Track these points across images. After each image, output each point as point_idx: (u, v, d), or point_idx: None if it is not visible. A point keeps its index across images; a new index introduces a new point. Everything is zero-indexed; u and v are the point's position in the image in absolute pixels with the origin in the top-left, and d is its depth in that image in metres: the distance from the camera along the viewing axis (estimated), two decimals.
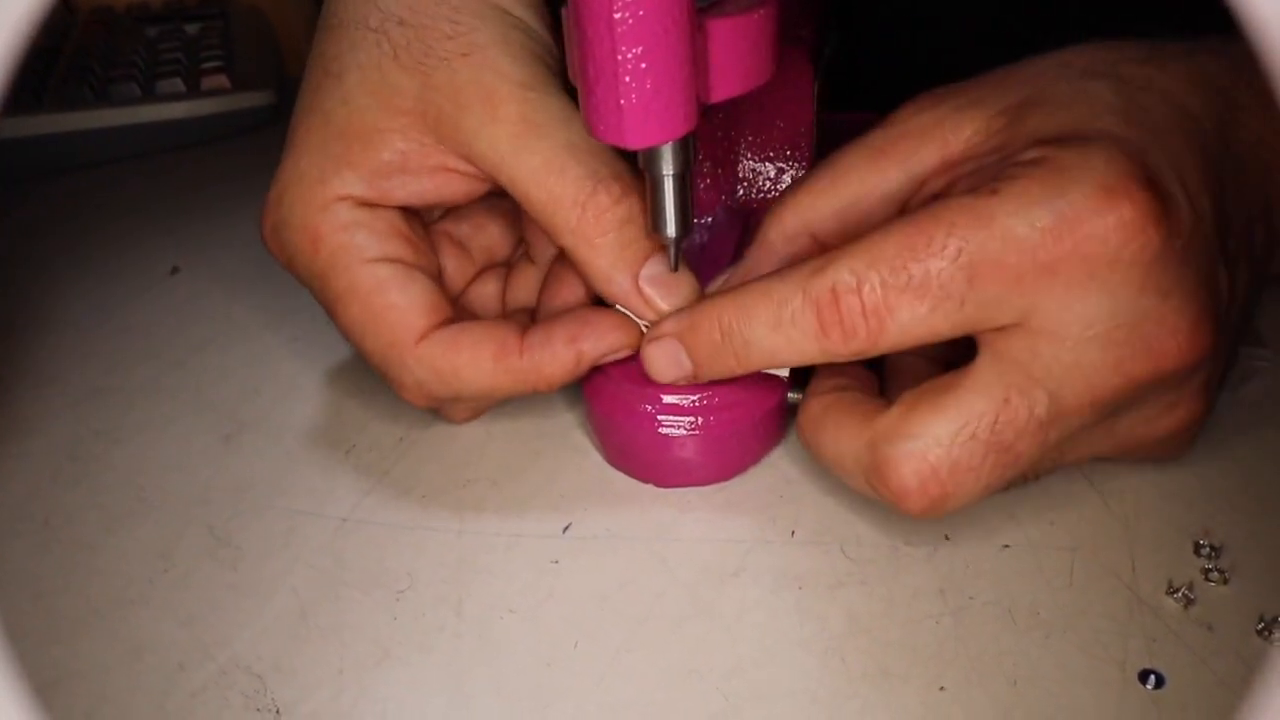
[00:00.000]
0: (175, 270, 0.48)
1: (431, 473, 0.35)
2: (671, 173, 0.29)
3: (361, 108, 0.32)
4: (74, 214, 0.54)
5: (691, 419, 0.32)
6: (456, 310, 0.34)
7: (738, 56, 0.28)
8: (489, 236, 0.37)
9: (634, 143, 0.27)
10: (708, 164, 0.39)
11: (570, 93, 0.30)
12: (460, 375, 0.32)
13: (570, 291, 0.34)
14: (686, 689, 0.27)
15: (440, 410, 0.36)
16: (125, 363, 0.42)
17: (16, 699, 0.19)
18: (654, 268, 0.31)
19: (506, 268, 0.38)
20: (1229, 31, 0.21)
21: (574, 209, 0.31)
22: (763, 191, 0.39)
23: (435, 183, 0.33)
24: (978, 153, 0.29)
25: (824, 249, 0.32)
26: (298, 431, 0.37)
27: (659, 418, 0.32)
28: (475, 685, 0.28)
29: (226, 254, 0.49)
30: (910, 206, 0.31)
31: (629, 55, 0.25)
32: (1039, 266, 0.26)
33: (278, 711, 0.27)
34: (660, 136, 0.27)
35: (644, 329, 0.32)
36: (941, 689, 0.27)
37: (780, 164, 0.39)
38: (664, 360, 0.31)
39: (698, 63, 0.27)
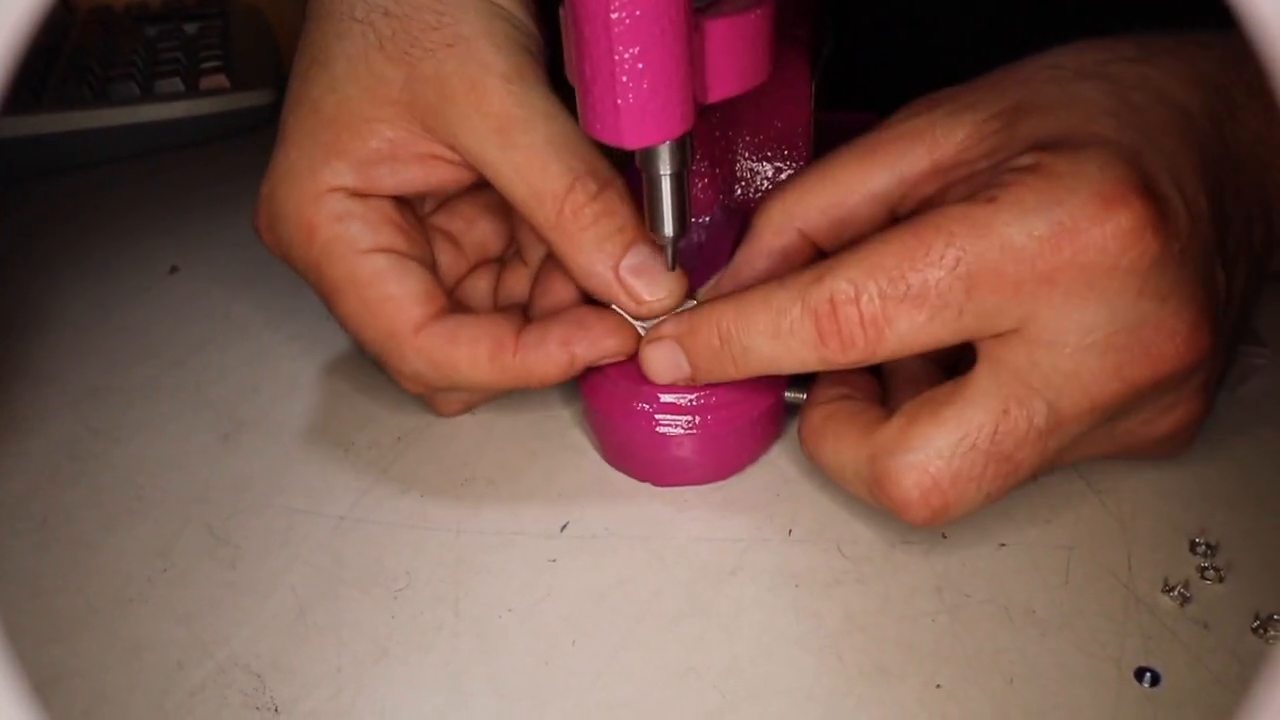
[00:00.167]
0: (174, 269, 0.48)
1: (430, 471, 0.35)
2: (668, 172, 0.29)
3: (349, 97, 0.32)
4: (73, 213, 0.54)
5: (689, 418, 0.32)
6: (452, 303, 0.34)
7: (735, 56, 0.28)
8: (481, 232, 0.37)
9: (631, 142, 0.27)
10: (705, 163, 0.39)
11: (561, 84, 0.30)
12: (458, 369, 0.32)
13: (562, 287, 0.34)
14: (683, 687, 0.27)
15: (433, 400, 0.36)
16: (124, 362, 0.42)
17: (15, 697, 0.19)
18: (635, 258, 0.31)
19: (500, 264, 0.38)
20: (1215, 26, 0.21)
21: (553, 205, 0.31)
22: (760, 191, 0.39)
23: (424, 170, 0.33)
24: (969, 157, 0.29)
25: (813, 245, 0.32)
26: (296, 430, 0.37)
27: (656, 416, 0.32)
28: (473, 683, 0.28)
29: (225, 253, 0.49)
30: (901, 209, 0.31)
31: (626, 55, 0.25)
32: (1037, 276, 0.26)
33: (276, 709, 0.28)
34: (657, 136, 0.27)
35: (641, 332, 0.32)
36: (938, 687, 0.27)
37: (777, 163, 0.39)
38: (663, 363, 0.31)
39: (695, 62, 0.27)
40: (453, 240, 0.37)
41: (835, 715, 0.26)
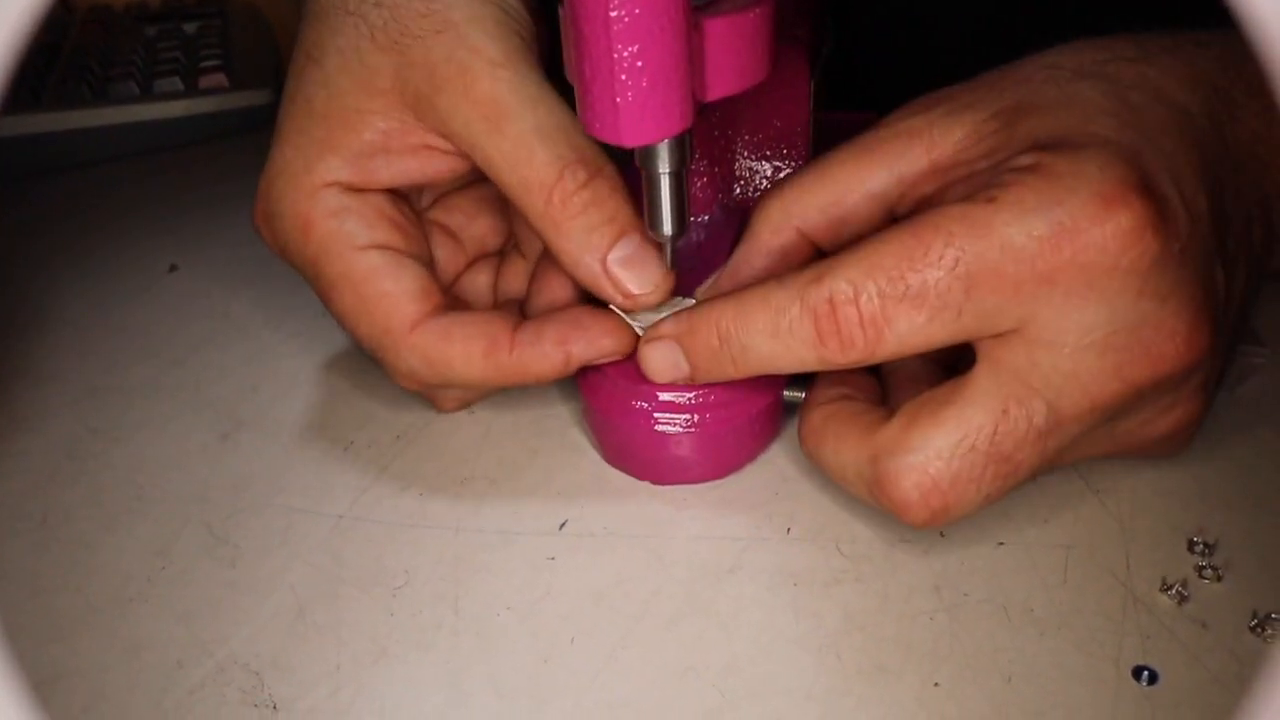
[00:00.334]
0: (173, 268, 0.48)
1: (429, 470, 0.35)
2: (667, 170, 0.30)
3: (341, 90, 0.32)
4: (72, 212, 0.54)
5: (687, 416, 0.32)
6: (449, 300, 0.34)
7: (734, 55, 0.28)
8: (480, 227, 0.37)
9: (630, 140, 0.27)
10: (704, 162, 0.39)
11: (556, 75, 0.30)
12: (452, 366, 0.32)
13: (558, 282, 0.34)
14: (682, 686, 0.28)
15: (431, 396, 0.36)
16: (123, 361, 0.42)
17: (15, 696, 0.19)
18: (623, 249, 0.31)
19: (499, 258, 0.38)
20: (1214, 26, 0.21)
21: (541, 194, 0.30)
22: (759, 190, 0.39)
23: (419, 161, 0.33)
24: (968, 157, 0.29)
25: (812, 244, 0.32)
26: (295, 429, 0.37)
27: (655, 415, 0.32)
28: (472, 682, 0.28)
29: (224, 252, 0.49)
30: (899, 209, 0.31)
31: (625, 53, 0.26)
32: (1037, 276, 0.26)
33: (275, 708, 0.28)
34: (656, 134, 0.27)
35: (639, 331, 0.32)
36: (936, 685, 0.27)
37: (776, 162, 0.39)
38: (661, 362, 0.31)
39: (694, 61, 0.27)
40: (451, 235, 0.37)
41: (834, 714, 0.27)
